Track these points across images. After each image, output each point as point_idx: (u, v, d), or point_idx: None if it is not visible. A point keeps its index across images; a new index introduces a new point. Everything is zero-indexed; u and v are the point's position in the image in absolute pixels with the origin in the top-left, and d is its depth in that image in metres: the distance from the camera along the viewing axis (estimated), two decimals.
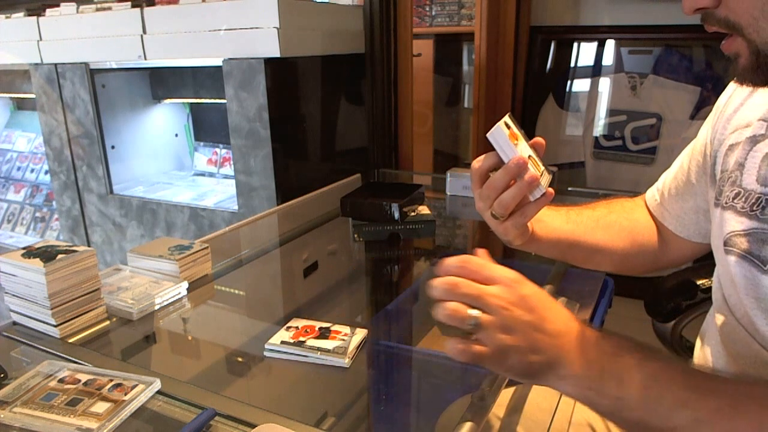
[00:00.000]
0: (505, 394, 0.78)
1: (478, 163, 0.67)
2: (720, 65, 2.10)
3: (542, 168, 0.67)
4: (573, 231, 0.79)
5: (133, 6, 1.84)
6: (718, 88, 2.10)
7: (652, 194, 0.84)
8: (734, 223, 0.60)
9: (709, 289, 0.94)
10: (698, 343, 0.72)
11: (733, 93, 0.69)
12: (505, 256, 1.08)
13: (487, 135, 0.63)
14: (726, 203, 0.62)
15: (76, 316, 0.84)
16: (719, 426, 0.45)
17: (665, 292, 0.98)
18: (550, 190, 0.66)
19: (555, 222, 0.78)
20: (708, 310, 0.95)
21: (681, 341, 1.00)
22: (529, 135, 0.67)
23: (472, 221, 1.52)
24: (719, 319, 0.64)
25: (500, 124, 0.63)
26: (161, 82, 2.23)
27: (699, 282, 0.95)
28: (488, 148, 0.65)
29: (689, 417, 0.46)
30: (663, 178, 0.83)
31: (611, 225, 0.81)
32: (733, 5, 0.52)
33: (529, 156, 0.65)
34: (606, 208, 0.84)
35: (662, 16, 2.14)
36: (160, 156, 2.37)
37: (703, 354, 0.69)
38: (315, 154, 1.84)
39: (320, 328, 0.85)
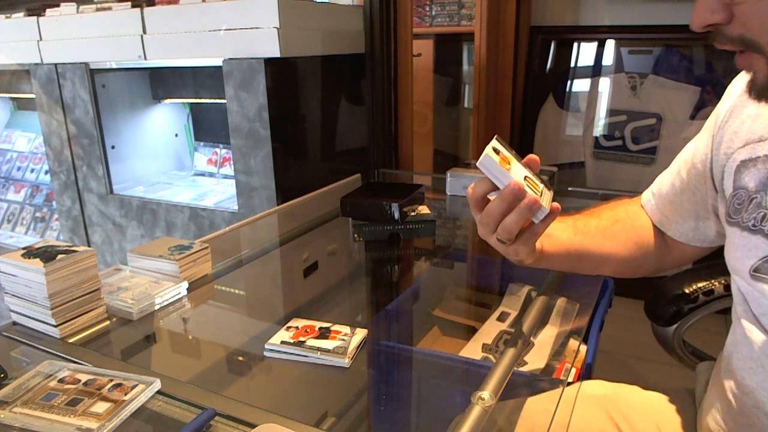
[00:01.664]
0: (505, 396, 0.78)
1: (472, 189, 0.65)
2: (720, 65, 2.10)
3: (541, 186, 0.64)
4: (582, 243, 0.78)
5: (133, 6, 1.84)
6: (718, 89, 2.10)
7: (648, 199, 0.83)
8: (765, 247, 0.59)
9: (710, 292, 0.94)
10: (726, 359, 0.70)
11: (736, 102, 0.67)
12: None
13: (477, 164, 0.61)
14: (754, 226, 0.60)
15: (76, 316, 0.84)
16: None
17: (666, 296, 0.98)
18: (555, 205, 0.63)
19: (563, 235, 0.77)
20: (710, 313, 0.96)
21: (683, 345, 1.00)
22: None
23: (472, 221, 1.52)
24: (754, 335, 0.63)
25: (488, 151, 0.60)
26: (161, 82, 2.23)
27: (701, 285, 0.95)
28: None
29: None
30: (658, 182, 0.82)
31: (618, 234, 0.81)
32: (749, 23, 0.49)
33: (525, 177, 0.62)
34: (612, 215, 0.83)
35: (662, 16, 2.15)
36: (160, 156, 2.37)
37: (732, 370, 0.67)
38: (315, 154, 1.84)
39: (320, 328, 0.85)
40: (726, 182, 0.66)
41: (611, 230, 0.80)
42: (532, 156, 0.65)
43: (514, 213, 0.61)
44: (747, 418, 0.65)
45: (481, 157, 0.60)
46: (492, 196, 0.64)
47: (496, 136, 0.64)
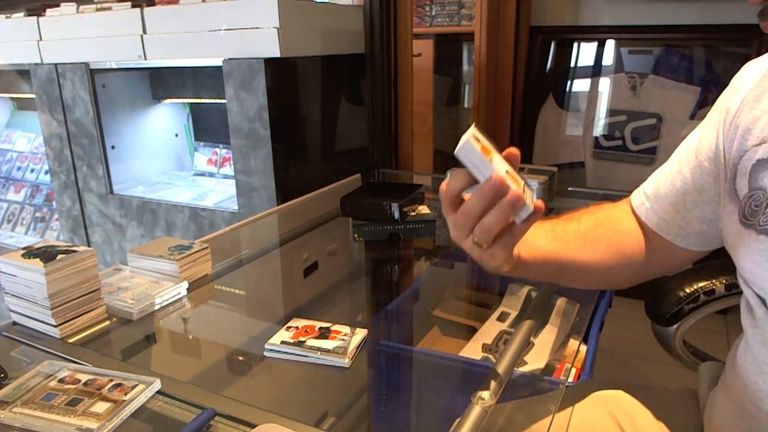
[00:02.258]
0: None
1: (446, 185, 0.58)
2: (720, 65, 2.10)
3: (522, 183, 0.58)
4: (560, 251, 0.73)
5: (133, 6, 1.84)
6: (719, 88, 2.10)
7: (641, 202, 0.77)
8: None
9: (711, 292, 0.94)
10: (738, 362, 0.67)
11: (748, 96, 0.63)
12: None
13: (456, 153, 0.54)
14: None
15: (76, 316, 0.84)
16: None
17: (667, 295, 0.98)
18: (539, 203, 0.57)
19: (541, 241, 0.71)
20: (710, 313, 0.95)
21: (684, 345, 0.99)
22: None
23: None
24: None
25: (469, 138, 0.54)
26: (161, 82, 2.23)
27: (701, 284, 0.95)
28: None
29: None
30: (653, 184, 0.77)
31: (599, 240, 0.75)
32: None
33: (506, 171, 0.56)
34: (592, 220, 0.77)
35: (662, 16, 2.15)
36: (160, 156, 2.37)
37: (744, 374, 0.65)
38: (315, 154, 1.84)
39: (320, 328, 0.85)
40: (740, 182, 0.62)
41: (592, 236, 0.76)
42: (511, 149, 0.59)
43: (495, 210, 0.55)
44: (762, 424, 0.63)
45: (460, 145, 0.53)
46: (468, 195, 0.58)
47: (474, 124, 0.58)
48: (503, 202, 0.54)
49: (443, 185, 0.58)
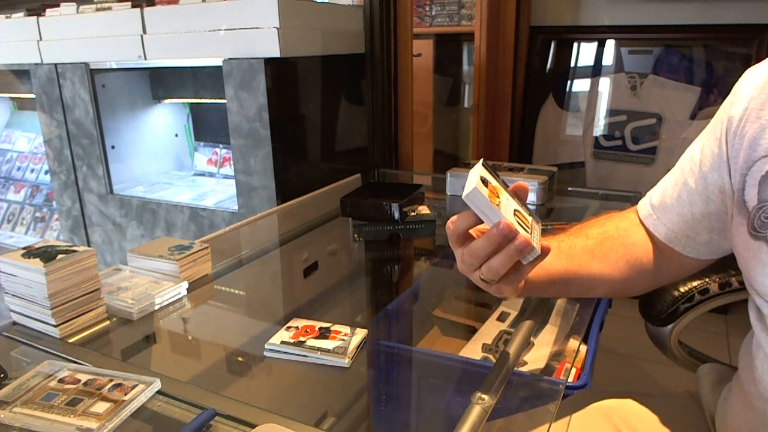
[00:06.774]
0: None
1: (453, 224, 0.58)
2: (720, 65, 2.11)
3: (530, 220, 0.58)
4: (567, 267, 0.73)
5: (133, 6, 1.84)
6: (718, 88, 2.10)
7: (649, 213, 0.77)
8: None
9: (705, 290, 0.93)
10: (755, 369, 0.66)
11: (750, 105, 0.62)
12: None
13: (463, 197, 0.54)
14: None
15: (76, 316, 0.84)
16: None
17: (661, 295, 0.97)
18: (546, 245, 0.58)
19: (547, 261, 0.70)
20: (704, 311, 0.95)
21: (680, 346, 0.99)
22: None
23: None
24: None
25: (477, 183, 0.53)
26: (161, 82, 2.23)
27: (695, 284, 0.94)
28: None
29: None
30: (659, 195, 0.76)
31: (607, 254, 0.75)
32: None
33: (515, 211, 0.56)
34: (600, 234, 0.77)
35: (662, 16, 2.15)
36: (160, 156, 2.37)
37: (760, 380, 0.64)
38: (315, 154, 1.84)
39: (320, 328, 0.85)
40: (748, 193, 0.61)
41: (600, 250, 0.75)
42: (520, 184, 0.60)
43: (503, 254, 0.56)
44: None
45: (467, 190, 0.53)
46: (476, 230, 0.58)
47: (482, 161, 0.58)
48: (511, 248, 0.55)
49: (449, 223, 0.59)
